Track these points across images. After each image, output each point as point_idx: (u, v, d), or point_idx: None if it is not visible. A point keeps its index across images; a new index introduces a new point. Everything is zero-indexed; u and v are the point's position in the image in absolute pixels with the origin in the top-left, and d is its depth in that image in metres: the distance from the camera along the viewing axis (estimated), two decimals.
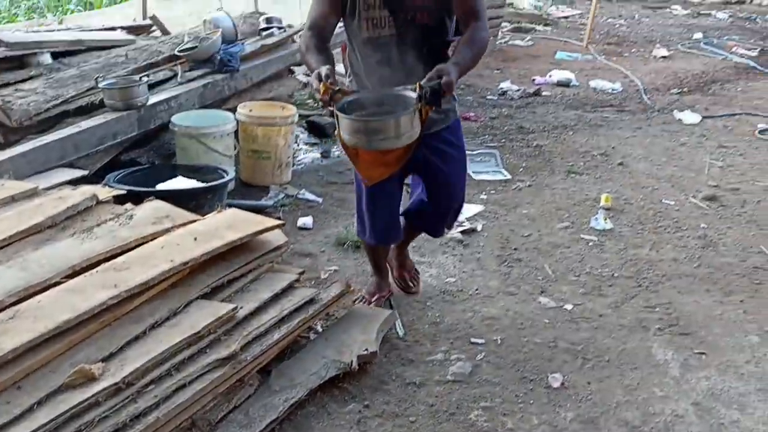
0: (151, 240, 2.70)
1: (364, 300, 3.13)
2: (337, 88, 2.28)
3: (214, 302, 2.53)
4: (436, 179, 2.84)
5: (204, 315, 2.41)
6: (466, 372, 2.71)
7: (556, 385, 2.66)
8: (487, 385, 2.65)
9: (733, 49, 7.96)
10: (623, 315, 3.15)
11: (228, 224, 2.85)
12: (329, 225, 3.82)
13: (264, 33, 5.80)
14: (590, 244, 3.78)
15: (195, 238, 2.70)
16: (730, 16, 10.23)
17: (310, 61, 2.47)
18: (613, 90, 6.61)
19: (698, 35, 8.69)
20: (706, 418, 2.51)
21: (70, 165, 3.77)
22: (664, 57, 7.78)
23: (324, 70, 2.30)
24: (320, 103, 2.40)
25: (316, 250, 3.55)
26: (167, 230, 2.77)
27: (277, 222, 2.90)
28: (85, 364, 2.06)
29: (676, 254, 3.70)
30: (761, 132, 5.66)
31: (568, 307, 3.20)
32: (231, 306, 2.47)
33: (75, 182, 3.49)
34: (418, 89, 2.24)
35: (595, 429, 2.44)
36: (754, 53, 7.83)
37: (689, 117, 5.96)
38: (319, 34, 2.57)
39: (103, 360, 2.14)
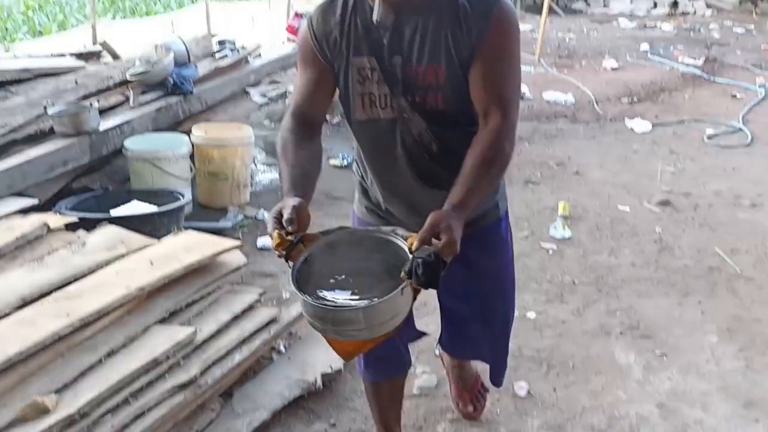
0: (106, 267, 2.64)
1: None
2: (297, 238, 1.53)
3: (173, 326, 2.47)
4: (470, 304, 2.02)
5: (162, 340, 2.36)
6: (432, 385, 2.69)
7: (522, 393, 2.66)
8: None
9: (679, 59, 8.18)
10: (585, 321, 3.18)
11: (185, 247, 2.80)
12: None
13: (217, 55, 5.77)
14: (550, 252, 3.82)
15: (151, 263, 2.65)
16: (675, 28, 10.53)
17: (282, 171, 1.68)
18: (566, 102, 6.71)
19: (645, 46, 8.91)
20: (670, 418, 2.53)
21: (20, 194, 3.67)
22: (614, 68, 7.94)
23: (288, 207, 1.51)
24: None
25: (277, 270, 3.51)
26: (122, 256, 2.71)
27: (235, 243, 2.86)
28: (38, 397, 1.99)
29: (634, 258, 3.76)
30: (709, 137, 5.81)
31: (531, 315, 3.21)
32: (190, 329, 2.42)
33: (25, 211, 3.39)
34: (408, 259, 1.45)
35: None
36: (699, 62, 8.06)
37: (640, 125, 6.08)
38: (303, 122, 1.74)
39: (57, 391, 2.06)
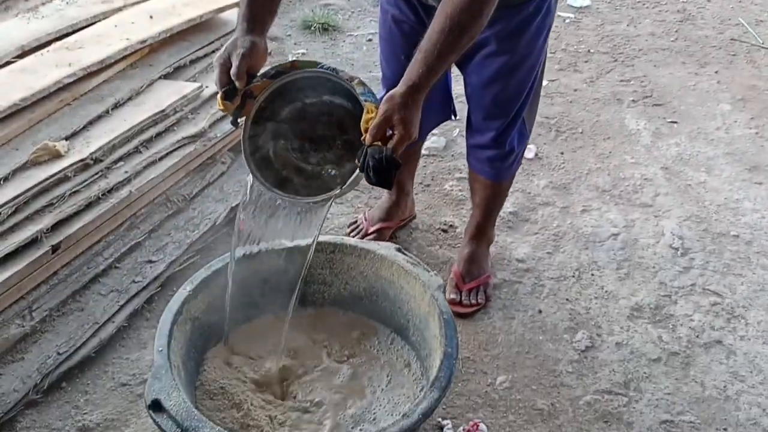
0: (103, 19, 2.53)
1: (358, 229, 2.22)
2: (244, 93, 1.38)
3: (179, 81, 2.42)
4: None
5: (168, 94, 2.32)
6: (441, 146, 2.69)
7: (529, 156, 2.67)
8: (462, 158, 2.63)
9: None
10: (598, 89, 3.11)
11: (185, 2, 2.67)
12: (294, 8, 3.61)
13: None
14: (567, 21, 3.64)
15: (150, 16, 2.53)
16: None
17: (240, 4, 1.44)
18: None
19: None
20: (674, 180, 2.56)
21: None
22: None
23: (237, 56, 1.35)
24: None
25: (282, 34, 3.38)
26: (119, 9, 2.59)
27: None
28: (49, 141, 1.99)
29: (654, 29, 3.60)
30: None
31: (543, 83, 3.13)
32: (196, 85, 2.37)
33: None
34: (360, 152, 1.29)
35: (567, 194, 2.49)
36: None
37: None
38: None
39: (67, 138, 2.07)
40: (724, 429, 1.68)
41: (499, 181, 1.98)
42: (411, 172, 2.24)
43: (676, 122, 2.90)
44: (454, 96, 2.01)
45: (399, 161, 1.28)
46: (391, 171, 1.28)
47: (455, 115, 2.06)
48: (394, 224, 2.23)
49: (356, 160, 1.30)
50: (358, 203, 2.39)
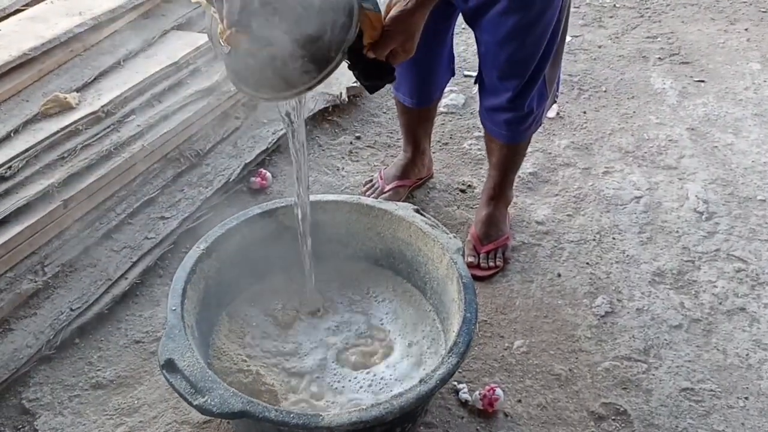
0: None
1: (373, 188, 2.15)
2: None
3: (192, 33, 2.36)
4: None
5: (181, 45, 2.27)
6: (459, 104, 2.63)
7: (551, 114, 2.60)
8: None
9: None
10: (623, 46, 3.01)
11: None
12: None
13: None
14: None
15: None
16: None
17: None
18: None
19: None
20: (700, 141, 2.49)
21: None
22: None
23: None
24: None
25: None
26: None
27: None
28: (60, 93, 1.94)
29: None
30: None
31: (566, 39, 3.03)
32: None
33: None
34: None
35: (588, 154, 2.42)
36: None
37: None
38: None
39: (78, 90, 2.02)
40: (746, 398, 1.65)
41: (516, 143, 1.92)
42: (427, 131, 2.18)
43: (703, 81, 2.80)
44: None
45: (394, 75, 1.30)
46: (385, 80, 1.30)
47: (454, 74, 2.02)
48: (411, 183, 2.18)
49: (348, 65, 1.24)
50: (375, 161, 2.34)
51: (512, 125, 1.84)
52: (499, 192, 2.02)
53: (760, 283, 1.95)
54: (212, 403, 1.23)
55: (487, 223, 2.00)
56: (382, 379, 1.52)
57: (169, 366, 1.29)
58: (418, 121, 2.10)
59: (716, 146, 2.47)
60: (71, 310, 1.66)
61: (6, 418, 1.50)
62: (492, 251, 1.96)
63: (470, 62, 2.90)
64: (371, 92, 1.35)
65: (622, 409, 1.60)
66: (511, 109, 1.80)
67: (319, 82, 1.23)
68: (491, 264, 1.95)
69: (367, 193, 2.14)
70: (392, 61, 1.30)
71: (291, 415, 1.23)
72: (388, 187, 2.13)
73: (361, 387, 1.50)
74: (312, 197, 1.67)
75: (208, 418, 1.50)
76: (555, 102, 2.03)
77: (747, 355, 1.75)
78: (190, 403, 1.24)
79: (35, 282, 1.67)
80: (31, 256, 1.69)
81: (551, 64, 1.77)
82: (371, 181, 2.20)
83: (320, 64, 1.21)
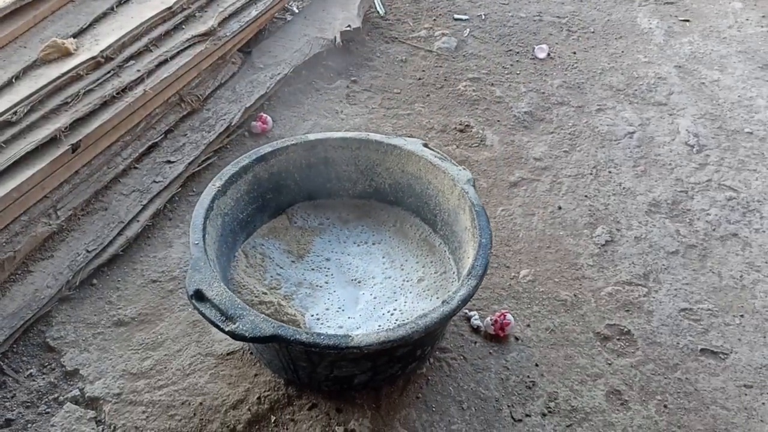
0: None
1: None
2: None
3: None
4: None
5: None
6: (452, 47, 2.65)
7: (542, 55, 2.63)
8: (474, 59, 2.61)
9: None
10: None
11: None
12: None
13: None
14: None
15: None
16: None
17: None
18: None
19: None
20: (687, 78, 2.55)
21: None
22: None
23: None
24: None
25: None
26: None
27: None
28: (57, 38, 1.92)
29: None
30: None
31: None
32: None
33: None
34: None
35: (581, 93, 2.46)
36: None
37: None
38: None
39: (74, 36, 2.00)
40: (741, 316, 1.74)
41: None
42: None
43: (688, 20, 2.85)
44: None
45: None
46: None
47: None
48: None
49: None
50: (372, 104, 2.35)
51: None
52: None
53: (750, 210, 2.03)
54: (244, 328, 1.26)
55: None
56: (396, 310, 1.57)
57: (198, 296, 1.32)
58: None
59: (703, 82, 2.53)
60: (87, 251, 1.67)
61: (31, 356, 1.52)
62: None
63: (460, 6, 2.91)
64: None
65: (626, 329, 1.68)
66: None
67: None
68: None
69: None
70: None
71: (321, 336, 1.27)
72: None
73: (381, 316, 1.55)
74: (320, 134, 1.70)
75: (232, 349, 1.54)
76: None
77: (741, 276, 1.83)
78: (222, 330, 1.27)
79: (49, 225, 1.68)
80: (43, 200, 1.69)
81: None
82: None
83: None
